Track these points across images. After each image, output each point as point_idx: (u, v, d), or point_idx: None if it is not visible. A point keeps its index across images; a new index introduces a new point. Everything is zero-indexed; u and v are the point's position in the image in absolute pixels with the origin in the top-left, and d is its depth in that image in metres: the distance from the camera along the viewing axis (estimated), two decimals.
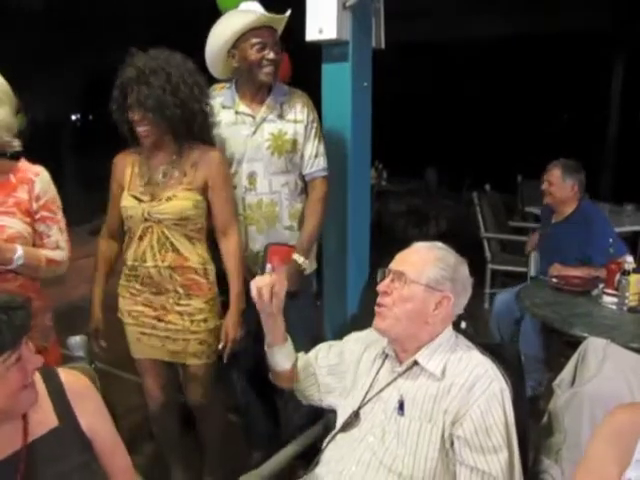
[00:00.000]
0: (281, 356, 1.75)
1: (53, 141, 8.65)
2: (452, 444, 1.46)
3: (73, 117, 11.54)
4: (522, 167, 6.39)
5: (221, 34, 2.28)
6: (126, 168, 2.18)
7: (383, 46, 2.96)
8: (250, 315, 2.47)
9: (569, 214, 3.25)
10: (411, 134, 9.09)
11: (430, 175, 7.49)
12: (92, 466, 1.36)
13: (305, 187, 2.47)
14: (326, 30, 2.63)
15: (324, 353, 1.79)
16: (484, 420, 1.43)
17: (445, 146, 8.79)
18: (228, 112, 2.36)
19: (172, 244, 2.11)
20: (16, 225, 1.84)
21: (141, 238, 2.12)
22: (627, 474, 1.17)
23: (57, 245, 1.95)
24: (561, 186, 3.21)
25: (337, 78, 2.75)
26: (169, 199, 2.09)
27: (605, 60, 7.52)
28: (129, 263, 2.17)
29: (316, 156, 2.42)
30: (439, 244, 1.63)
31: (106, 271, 2.26)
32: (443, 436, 1.46)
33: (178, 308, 2.15)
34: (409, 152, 8.44)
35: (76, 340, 1.83)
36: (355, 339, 1.77)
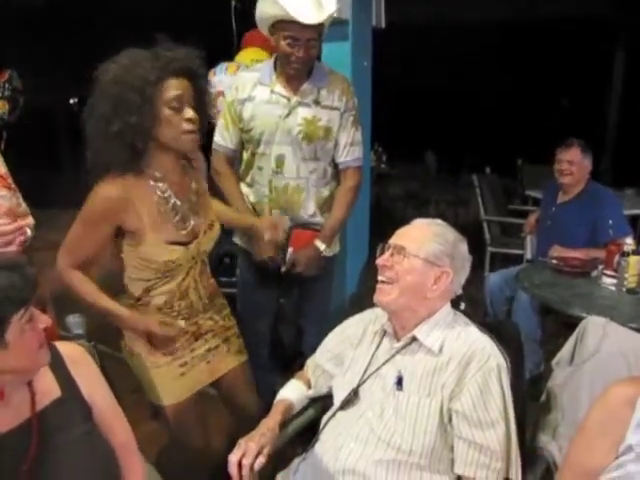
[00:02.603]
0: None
1: (49, 124, 8.60)
2: (450, 419, 1.46)
3: (71, 101, 11.48)
4: (522, 150, 6.38)
5: (258, 13, 2.22)
6: (139, 207, 1.67)
7: (383, 25, 2.94)
8: (266, 303, 2.47)
9: (578, 193, 3.22)
10: (411, 117, 9.05)
11: (429, 158, 7.46)
12: (95, 434, 1.38)
13: (335, 173, 2.42)
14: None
15: (329, 346, 1.79)
16: (482, 394, 1.43)
17: (445, 129, 8.75)
18: (264, 89, 2.30)
19: (207, 264, 1.94)
20: (9, 200, 1.87)
21: (184, 278, 1.83)
22: (628, 440, 1.20)
23: (26, 212, 1.98)
24: (581, 165, 3.17)
25: (337, 57, 2.74)
26: (211, 227, 1.85)
27: (607, 45, 7.47)
28: (160, 302, 1.81)
29: (351, 145, 2.37)
30: (439, 221, 1.64)
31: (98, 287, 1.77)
32: (442, 410, 1.46)
33: (207, 315, 1.94)
34: (409, 135, 8.40)
35: (75, 318, 1.82)
36: (356, 322, 1.77)
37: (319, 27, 2.16)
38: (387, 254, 1.57)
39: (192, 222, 1.78)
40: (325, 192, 2.39)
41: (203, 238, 1.81)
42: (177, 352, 1.86)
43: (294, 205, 2.34)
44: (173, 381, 1.86)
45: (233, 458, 1.51)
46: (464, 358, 1.48)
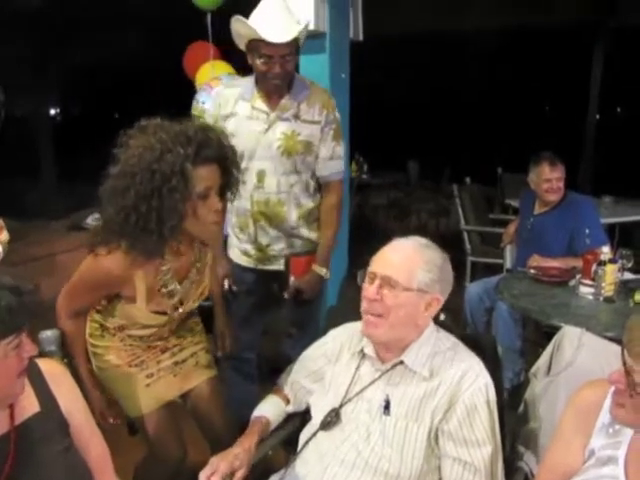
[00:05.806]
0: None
1: (31, 136, 8.53)
2: (437, 439, 1.45)
3: (52, 112, 11.44)
4: (503, 160, 6.43)
5: (233, 33, 2.23)
6: (138, 284, 1.68)
7: (361, 38, 2.96)
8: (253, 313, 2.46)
9: (557, 203, 3.24)
10: (394, 127, 9.10)
11: (412, 168, 7.49)
12: (72, 450, 1.38)
13: (319, 186, 2.42)
14: (303, 21, 2.62)
15: (305, 363, 1.77)
16: (468, 415, 1.42)
17: (427, 139, 8.81)
18: (245, 105, 2.31)
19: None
20: None
21: (159, 329, 1.86)
22: (591, 444, 1.22)
23: (1, 225, 2.04)
24: (564, 178, 3.22)
25: (315, 70, 2.76)
26: (202, 294, 1.87)
27: (585, 54, 7.57)
28: (133, 333, 1.83)
29: (331, 159, 2.36)
30: (422, 241, 1.56)
31: (85, 348, 1.85)
32: (429, 434, 1.44)
33: (175, 334, 1.94)
34: (391, 145, 8.45)
35: (47, 335, 1.80)
36: (333, 337, 1.74)
37: (293, 42, 2.16)
38: (374, 286, 1.48)
39: (185, 303, 1.80)
40: (309, 204, 2.39)
41: (188, 306, 1.84)
42: (143, 364, 1.87)
43: (277, 217, 2.35)
44: (139, 392, 1.85)
45: (202, 476, 1.50)
46: (454, 380, 1.46)
